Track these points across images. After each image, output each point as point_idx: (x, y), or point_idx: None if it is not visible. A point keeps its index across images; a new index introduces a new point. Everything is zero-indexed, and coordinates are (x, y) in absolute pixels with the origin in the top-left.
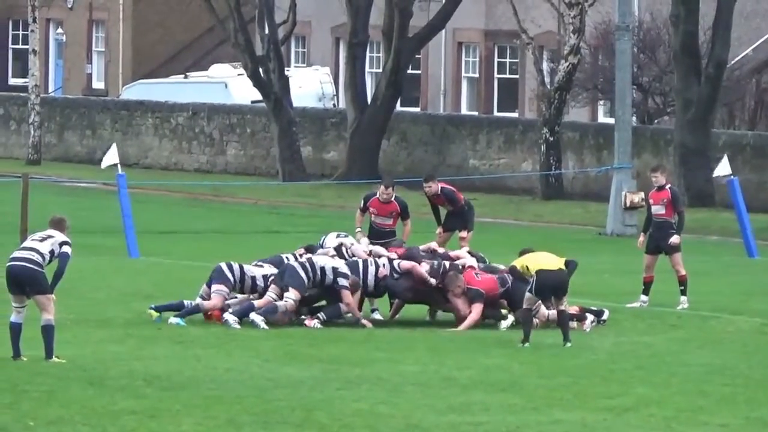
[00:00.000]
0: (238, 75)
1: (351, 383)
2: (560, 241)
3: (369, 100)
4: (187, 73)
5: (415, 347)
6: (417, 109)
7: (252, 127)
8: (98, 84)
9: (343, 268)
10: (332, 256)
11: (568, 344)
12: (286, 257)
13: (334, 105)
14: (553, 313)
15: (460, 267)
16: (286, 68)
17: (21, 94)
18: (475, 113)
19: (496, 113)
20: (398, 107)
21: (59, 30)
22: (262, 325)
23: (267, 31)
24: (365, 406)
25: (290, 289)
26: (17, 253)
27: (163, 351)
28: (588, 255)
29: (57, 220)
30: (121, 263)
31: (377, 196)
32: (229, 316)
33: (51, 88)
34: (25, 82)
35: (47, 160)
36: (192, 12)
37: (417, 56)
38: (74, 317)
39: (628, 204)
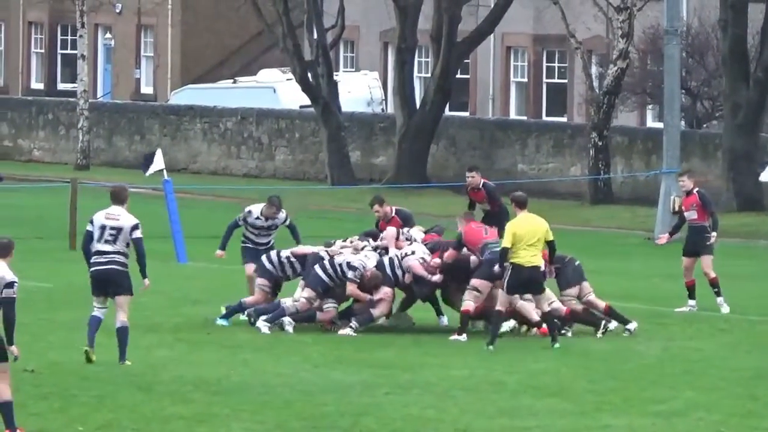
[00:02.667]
0: (287, 80)
1: (400, 388)
2: (608, 245)
3: (418, 104)
4: (236, 78)
5: (464, 352)
6: (466, 114)
7: (301, 131)
8: (147, 89)
9: (356, 262)
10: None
11: (556, 345)
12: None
13: (382, 110)
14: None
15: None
16: (334, 73)
17: (70, 99)
18: (524, 118)
19: (544, 118)
20: (447, 112)
21: (108, 35)
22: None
23: (315, 36)
24: (414, 410)
25: (305, 288)
26: (99, 258)
27: (212, 356)
28: (637, 260)
29: (118, 191)
30: (169, 268)
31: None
32: (261, 324)
33: (99, 93)
34: (74, 88)
35: (96, 165)
36: (240, 17)
37: (466, 61)
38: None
39: (676, 208)
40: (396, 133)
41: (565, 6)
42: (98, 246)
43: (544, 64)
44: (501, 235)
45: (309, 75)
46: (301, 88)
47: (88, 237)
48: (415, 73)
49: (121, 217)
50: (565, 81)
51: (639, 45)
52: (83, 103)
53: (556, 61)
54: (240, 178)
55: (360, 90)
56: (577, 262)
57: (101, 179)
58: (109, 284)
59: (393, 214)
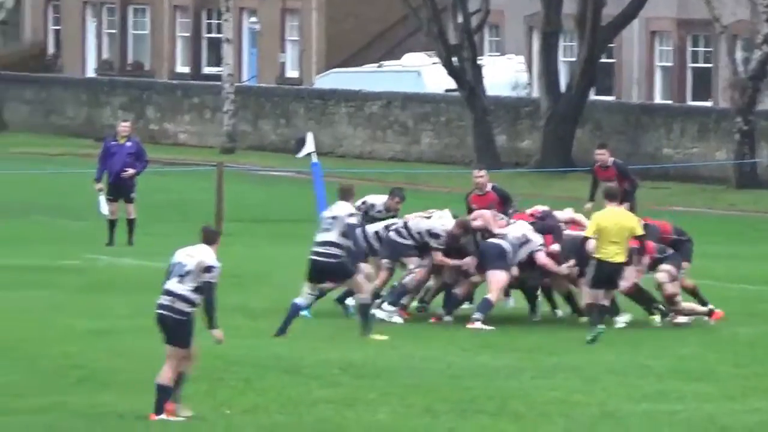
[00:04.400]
0: (432, 64)
1: (546, 372)
2: (754, 230)
3: (563, 88)
4: (381, 62)
5: (610, 336)
6: (611, 98)
7: (446, 115)
8: (292, 73)
9: (438, 228)
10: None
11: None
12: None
13: (528, 94)
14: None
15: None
16: (479, 57)
17: (215, 83)
18: (669, 102)
19: (689, 102)
20: (592, 96)
21: (253, 19)
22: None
23: (460, 20)
24: (560, 394)
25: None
26: (319, 249)
27: (359, 339)
28: None
29: (345, 189)
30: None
31: (472, 191)
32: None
33: (245, 77)
34: (219, 71)
35: (241, 148)
36: (385, 1)
37: (610, 45)
38: (268, 306)
39: None
40: (541, 117)
41: None
42: (319, 236)
43: (689, 49)
44: (633, 210)
45: (454, 59)
46: (447, 72)
47: None
48: (560, 57)
49: (343, 211)
50: (710, 65)
51: None
52: (229, 86)
53: (701, 46)
54: (386, 161)
55: (505, 74)
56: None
57: (247, 163)
58: (325, 274)
59: (490, 189)
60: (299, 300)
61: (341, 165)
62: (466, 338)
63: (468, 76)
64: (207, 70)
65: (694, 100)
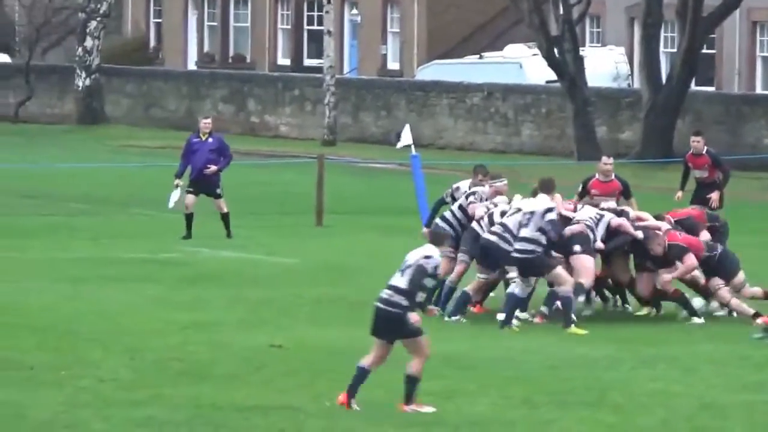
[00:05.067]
0: (533, 55)
1: (645, 362)
2: None
3: (664, 79)
4: (482, 54)
5: (708, 326)
6: (711, 89)
7: (547, 107)
8: (393, 65)
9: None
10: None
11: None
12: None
13: (628, 85)
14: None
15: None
16: (580, 48)
17: (316, 75)
18: None
19: None
20: (693, 87)
21: (354, 11)
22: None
23: (561, 11)
24: (660, 385)
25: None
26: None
27: (460, 331)
28: None
29: (545, 182)
30: (417, 244)
31: (596, 176)
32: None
33: (346, 69)
34: (320, 63)
35: (342, 140)
36: None
37: (711, 36)
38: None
39: None
40: (642, 108)
41: None
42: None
43: None
44: (722, 201)
45: (555, 50)
46: (548, 63)
47: None
48: (661, 48)
49: (541, 205)
50: None
51: None
52: (330, 78)
53: None
54: (486, 153)
55: (606, 65)
56: None
57: (348, 155)
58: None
59: (614, 177)
60: (517, 291)
61: (442, 157)
62: (563, 330)
63: (569, 68)
64: (308, 62)
65: None
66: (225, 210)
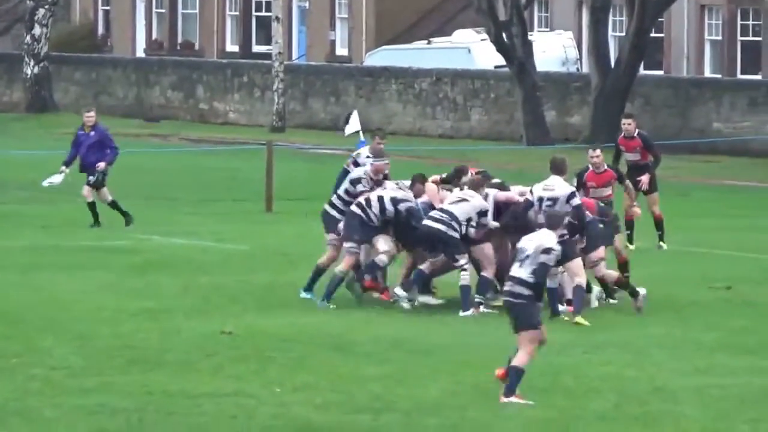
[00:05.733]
0: (481, 40)
1: (597, 347)
2: None
3: (612, 64)
4: (430, 39)
5: (661, 310)
6: (660, 73)
7: (495, 92)
8: (341, 51)
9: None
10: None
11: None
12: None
13: (577, 69)
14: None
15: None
16: (529, 33)
17: (265, 61)
18: (719, 76)
19: (739, 76)
20: (641, 71)
21: None
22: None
23: None
24: (612, 369)
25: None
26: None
27: (409, 316)
28: None
29: (557, 162)
30: None
31: (589, 168)
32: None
33: (294, 55)
34: (269, 50)
35: (291, 127)
36: None
37: (660, 20)
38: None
39: None
40: (591, 92)
41: None
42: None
43: (739, 22)
44: (653, 184)
45: (504, 35)
46: (496, 48)
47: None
48: (610, 33)
49: (557, 187)
50: (760, 38)
51: None
52: (278, 65)
53: (751, 19)
54: (435, 138)
55: (555, 50)
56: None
57: (297, 141)
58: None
59: (606, 168)
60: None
61: (391, 143)
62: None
63: (517, 52)
64: (256, 48)
65: (743, 73)
66: (109, 198)
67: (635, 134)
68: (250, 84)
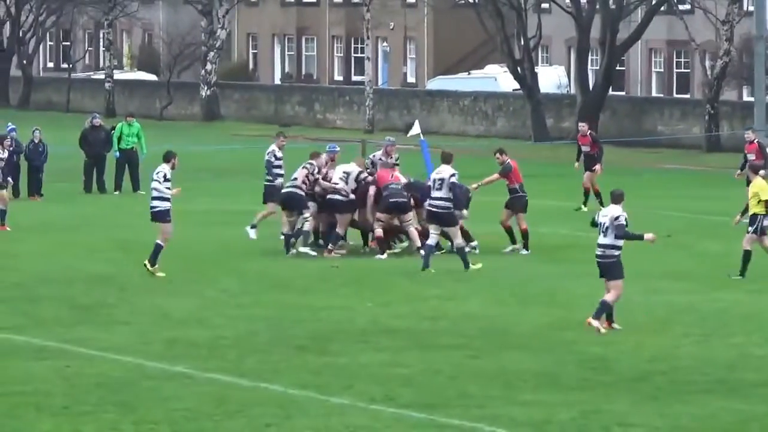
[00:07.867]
0: (504, 72)
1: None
2: (718, 180)
3: (590, 87)
4: (470, 71)
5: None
6: (622, 93)
7: (513, 106)
8: (411, 79)
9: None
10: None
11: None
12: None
13: (567, 91)
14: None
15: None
16: (535, 67)
17: (360, 86)
18: (662, 95)
19: (675, 95)
20: (610, 92)
21: (384, 44)
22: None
23: (522, 43)
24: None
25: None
26: (433, 201)
27: (454, 255)
28: (739, 189)
29: (447, 154)
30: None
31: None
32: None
33: (380, 82)
34: (363, 79)
35: (378, 130)
36: (473, 30)
37: (622, 58)
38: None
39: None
40: (576, 106)
41: (689, 21)
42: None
43: (675, 59)
44: (599, 164)
45: (518, 69)
46: (513, 77)
47: None
48: (589, 67)
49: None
50: (689, 70)
51: (737, 45)
52: (369, 89)
53: (683, 57)
54: (473, 138)
55: (552, 78)
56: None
57: (381, 140)
58: (438, 220)
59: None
60: (430, 241)
61: (442, 141)
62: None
63: (528, 80)
64: (355, 78)
65: (678, 93)
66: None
67: (587, 133)
68: (350, 102)
